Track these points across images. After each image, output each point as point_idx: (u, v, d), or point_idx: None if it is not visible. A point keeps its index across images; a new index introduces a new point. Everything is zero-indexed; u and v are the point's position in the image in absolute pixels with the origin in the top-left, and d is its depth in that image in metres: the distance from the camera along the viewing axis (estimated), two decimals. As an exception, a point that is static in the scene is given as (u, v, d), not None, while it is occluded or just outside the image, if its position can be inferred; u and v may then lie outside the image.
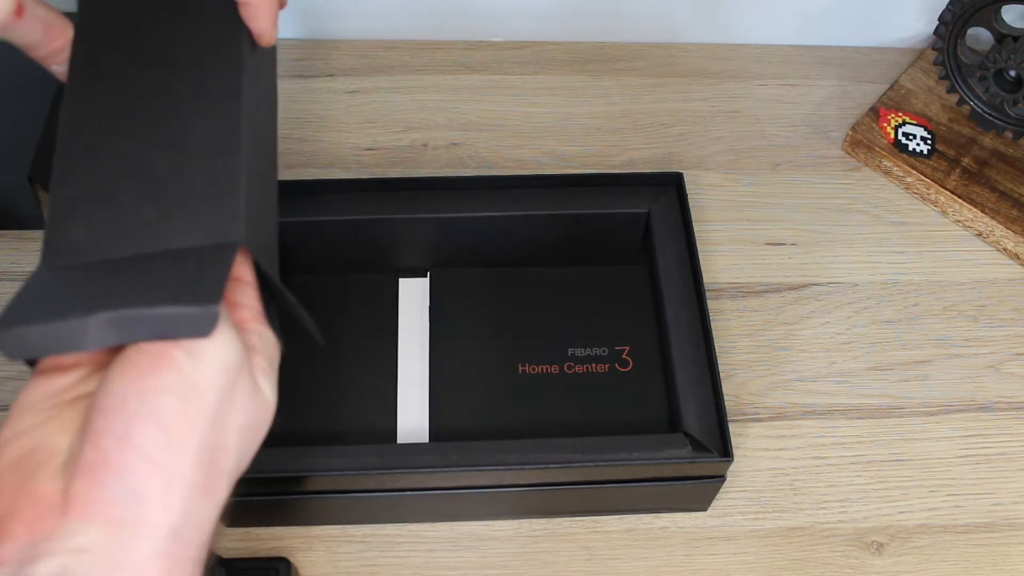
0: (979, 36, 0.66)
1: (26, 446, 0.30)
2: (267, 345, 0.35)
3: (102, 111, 0.36)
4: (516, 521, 0.54)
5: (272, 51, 0.41)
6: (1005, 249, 0.64)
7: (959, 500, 0.55)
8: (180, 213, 0.34)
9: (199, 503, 0.30)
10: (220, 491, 0.31)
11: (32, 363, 0.34)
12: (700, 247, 0.57)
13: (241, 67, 0.37)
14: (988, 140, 0.68)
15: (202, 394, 0.30)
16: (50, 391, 0.31)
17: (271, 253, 0.38)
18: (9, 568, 0.27)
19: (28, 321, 0.31)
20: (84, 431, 0.29)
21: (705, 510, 0.54)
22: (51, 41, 0.36)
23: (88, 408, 0.30)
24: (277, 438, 0.51)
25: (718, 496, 0.53)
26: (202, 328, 0.31)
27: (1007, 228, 0.63)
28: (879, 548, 0.53)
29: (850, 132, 0.68)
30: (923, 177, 0.66)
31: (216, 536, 0.32)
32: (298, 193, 0.56)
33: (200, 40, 0.38)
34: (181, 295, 0.31)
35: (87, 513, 0.28)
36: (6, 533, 0.28)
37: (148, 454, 0.28)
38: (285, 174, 0.67)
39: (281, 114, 0.71)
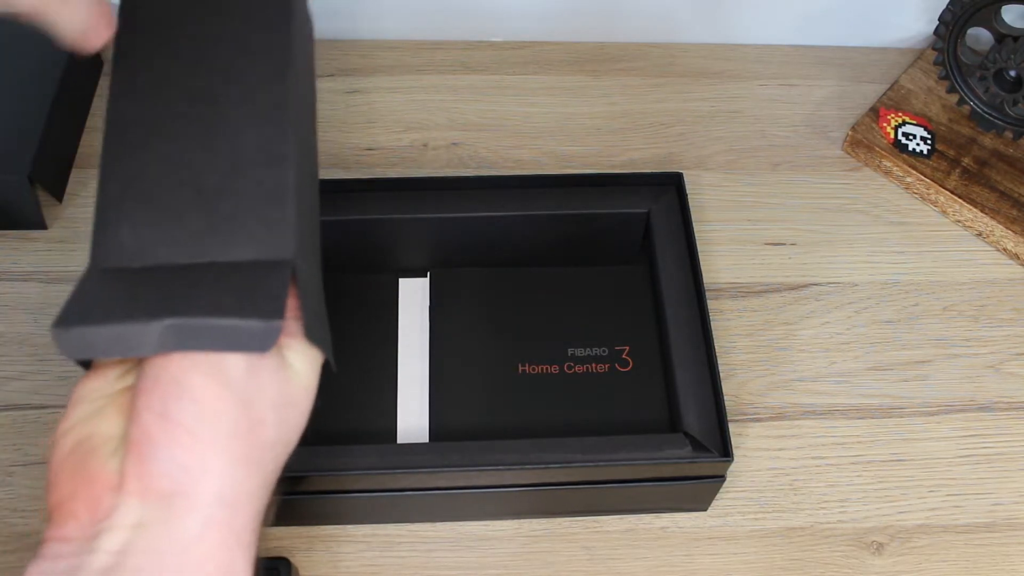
0: (979, 36, 0.66)
1: (82, 434, 0.32)
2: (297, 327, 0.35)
3: (148, 112, 0.36)
4: (516, 521, 0.54)
5: (311, 53, 0.41)
6: (1005, 249, 0.64)
7: (959, 500, 0.55)
8: (228, 225, 0.34)
9: (245, 474, 0.31)
10: (266, 464, 0.33)
11: (86, 363, 0.34)
12: (700, 247, 0.57)
13: (288, 72, 0.37)
14: (988, 140, 0.68)
15: (225, 369, 0.31)
16: (102, 383, 0.33)
17: (316, 260, 0.38)
18: (74, 545, 0.29)
19: (90, 321, 0.31)
20: (130, 414, 0.31)
21: (705, 510, 0.54)
22: (94, 32, 0.37)
23: (133, 394, 0.31)
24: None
25: (718, 496, 0.53)
26: (261, 344, 0.32)
27: (1007, 228, 0.63)
28: (879, 548, 0.53)
29: (850, 132, 0.68)
30: (923, 177, 0.66)
31: (267, 515, 0.33)
32: (298, 193, 0.56)
33: (246, 42, 0.37)
34: (244, 308, 0.32)
35: (140, 488, 0.30)
36: (69, 513, 0.30)
37: (186, 426, 0.30)
38: (285, 174, 0.67)
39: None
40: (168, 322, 0.31)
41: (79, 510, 0.30)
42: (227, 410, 0.31)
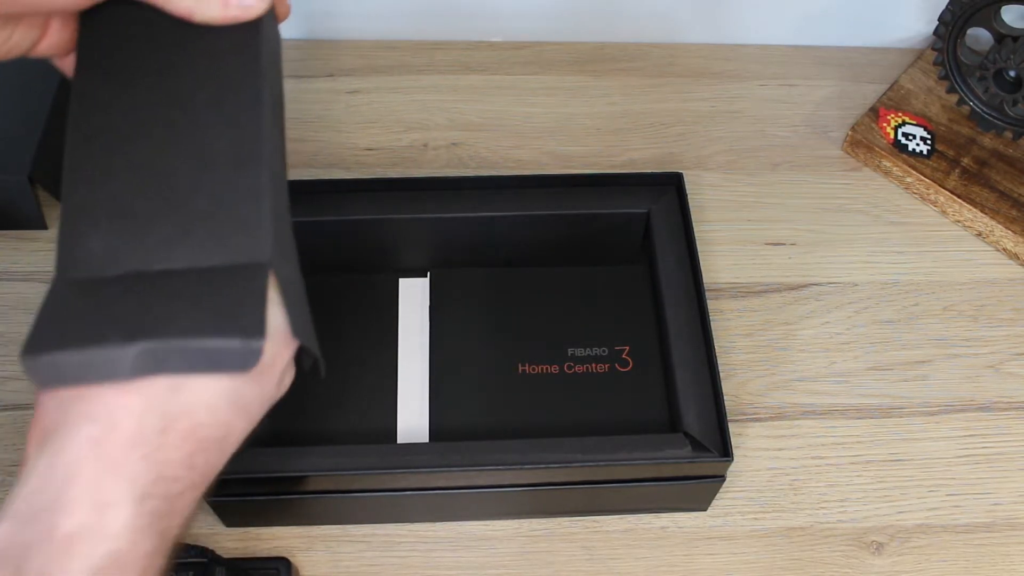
0: (979, 36, 0.65)
1: None
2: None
3: (113, 117, 0.35)
4: (516, 521, 0.54)
5: (279, 53, 0.40)
6: (1005, 249, 0.64)
7: (959, 500, 0.55)
8: (202, 228, 0.33)
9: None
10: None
11: None
12: (700, 247, 0.57)
13: (258, 74, 0.36)
14: (988, 140, 0.68)
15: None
16: None
17: (293, 258, 0.37)
18: None
19: (60, 346, 0.30)
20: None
21: (705, 510, 0.54)
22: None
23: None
24: (278, 438, 0.51)
25: (718, 496, 0.53)
26: (243, 362, 0.31)
27: (1007, 228, 0.63)
28: (879, 548, 0.53)
29: (850, 132, 0.68)
30: (923, 177, 0.66)
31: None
32: (298, 193, 0.56)
33: (213, 45, 0.36)
34: (223, 326, 0.30)
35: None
36: None
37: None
38: (285, 174, 0.67)
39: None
40: (143, 345, 0.30)
41: None
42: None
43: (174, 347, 0.30)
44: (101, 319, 0.31)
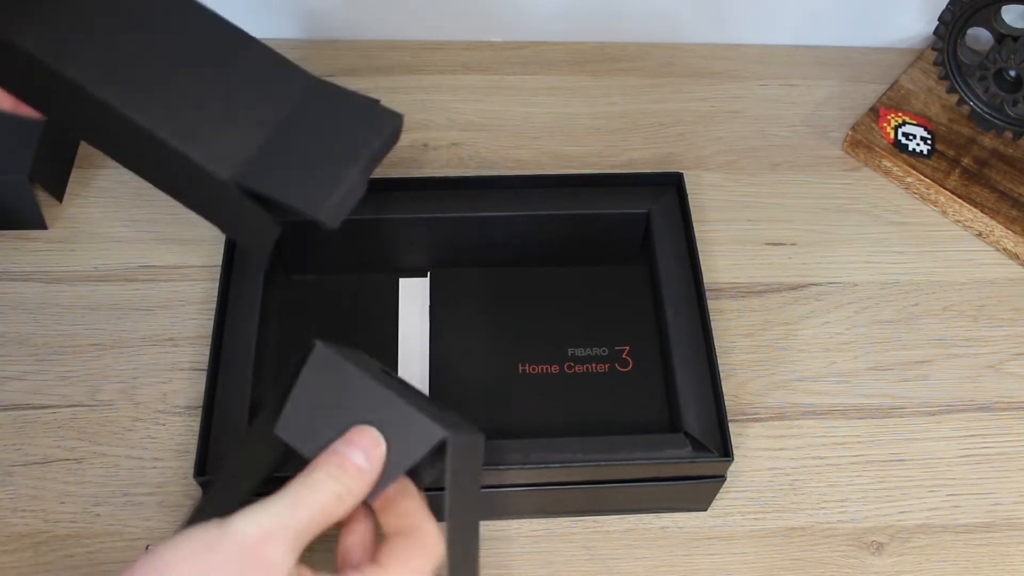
0: (979, 36, 0.66)
1: None
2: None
3: (127, 71, 0.40)
4: (516, 521, 0.54)
5: None
6: (1005, 249, 0.64)
7: (959, 500, 0.55)
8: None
9: None
10: None
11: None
12: (700, 247, 0.57)
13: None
14: (988, 140, 0.68)
15: None
16: None
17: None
18: None
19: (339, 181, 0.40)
20: None
21: (705, 510, 0.54)
22: None
23: None
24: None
25: (718, 496, 0.53)
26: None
27: (1007, 228, 0.63)
28: (879, 548, 0.53)
29: (850, 132, 0.68)
30: (923, 177, 0.66)
31: None
32: (298, 193, 0.56)
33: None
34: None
35: None
36: None
37: None
38: (285, 174, 0.66)
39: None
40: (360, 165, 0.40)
41: None
42: None
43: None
44: (319, 152, 0.40)
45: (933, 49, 0.68)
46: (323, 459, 0.36)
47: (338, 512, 0.36)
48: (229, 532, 0.33)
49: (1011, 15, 0.64)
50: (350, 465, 0.36)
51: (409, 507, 0.38)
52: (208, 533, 0.33)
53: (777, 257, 0.64)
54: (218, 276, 0.53)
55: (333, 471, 0.36)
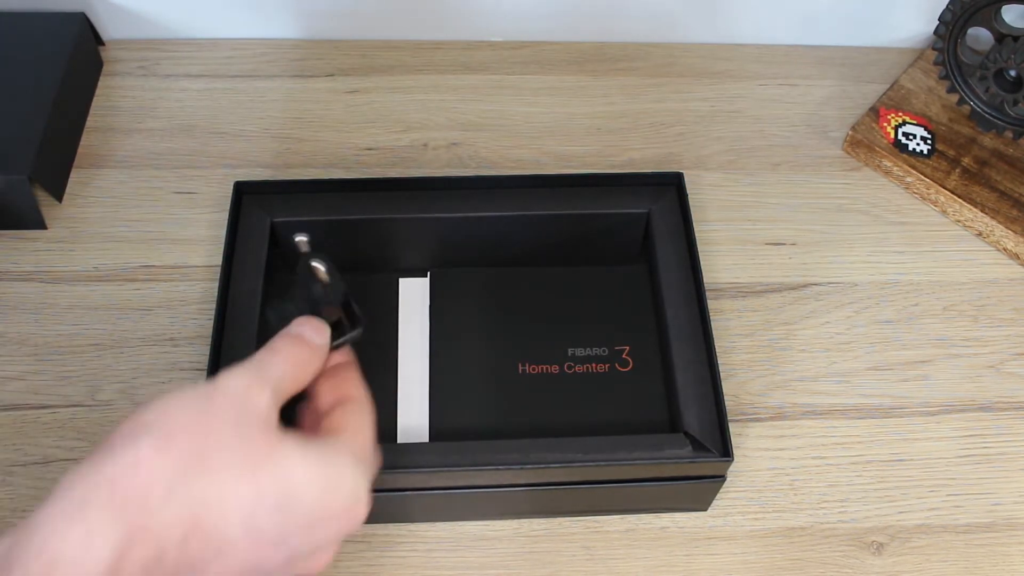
0: (979, 36, 0.66)
1: None
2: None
3: None
4: (516, 521, 0.54)
5: None
6: (1005, 249, 0.64)
7: (959, 500, 0.55)
8: None
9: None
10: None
11: None
12: (700, 247, 0.57)
13: None
14: (988, 140, 0.68)
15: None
16: None
17: None
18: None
19: None
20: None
21: (705, 510, 0.54)
22: None
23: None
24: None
25: (718, 496, 0.53)
26: None
27: (1007, 228, 0.63)
28: (879, 548, 0.53)
29: (850, 132, 0.68)
30: (923, 177, 0.66)
31: None
32: (298, 193, 0.56)
33: None
34: None
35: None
36: None
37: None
38: (285, 174, 0.67)
39: (281, 114, 0.72)
40: None
41: None
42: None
43: None
44: None
45: (933, 49, 0.68)
46: (279, 336, 0.40)
47: (304, 373, 0.39)
48: (220, 385, 0.35)
49: (1011, 15, 0.64)
50: (304, 340, 0.40)
51: (349, 376, 0.42)
52: (197, 388, 0.34)
53: (777, 257, 0.64)
54: (218, 276, 0.53)
55: (291, 341, 0.39)
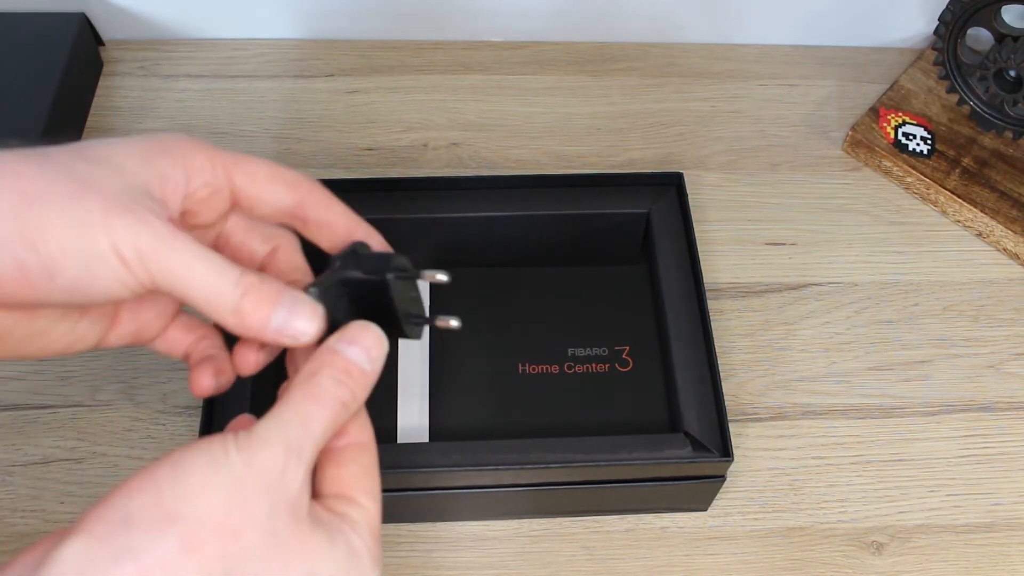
0: (979, 36, 0.66)
1: None
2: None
3: None
4: (516, 521, 0.54)
5: None
6: (1005, 249, 0.64)
7: (959, 500, 0.55)
8: None
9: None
10: None
11: None
12: (700, 247, 0.57)
13: None
14: (988, 140, 0.68)
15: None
16: None
17: None
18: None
19: None
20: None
21: (705, 510, 0.54)
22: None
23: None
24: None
25: (718, 496, 0.53)
26: None
27: (1007, 228, 0.63)
28: (879, 548, 0.53)
29: (850, 132, 0.68)
30: (923, 177, 0.66)
31: None
32: (298, 193, 0.56)
33: None
34: None
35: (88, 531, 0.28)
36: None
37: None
38: (285, 174, 0.66)
39: (281, 114, 0.71)
40: None
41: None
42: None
43: None
44: None
45: (933, 49, 0.68)
46: (326, 360, 0.34)
47: (342, 421, 0.34)
48: (255, 464, 0.31)
49: (1011, 15, 0.64)
50: (354, 368, 0.34)
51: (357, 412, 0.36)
52: (230, 462, 0.31)
53: (777, 257, 0.64)
54: (218, 276, 0.53)
55: (338, 380, 0.34)
